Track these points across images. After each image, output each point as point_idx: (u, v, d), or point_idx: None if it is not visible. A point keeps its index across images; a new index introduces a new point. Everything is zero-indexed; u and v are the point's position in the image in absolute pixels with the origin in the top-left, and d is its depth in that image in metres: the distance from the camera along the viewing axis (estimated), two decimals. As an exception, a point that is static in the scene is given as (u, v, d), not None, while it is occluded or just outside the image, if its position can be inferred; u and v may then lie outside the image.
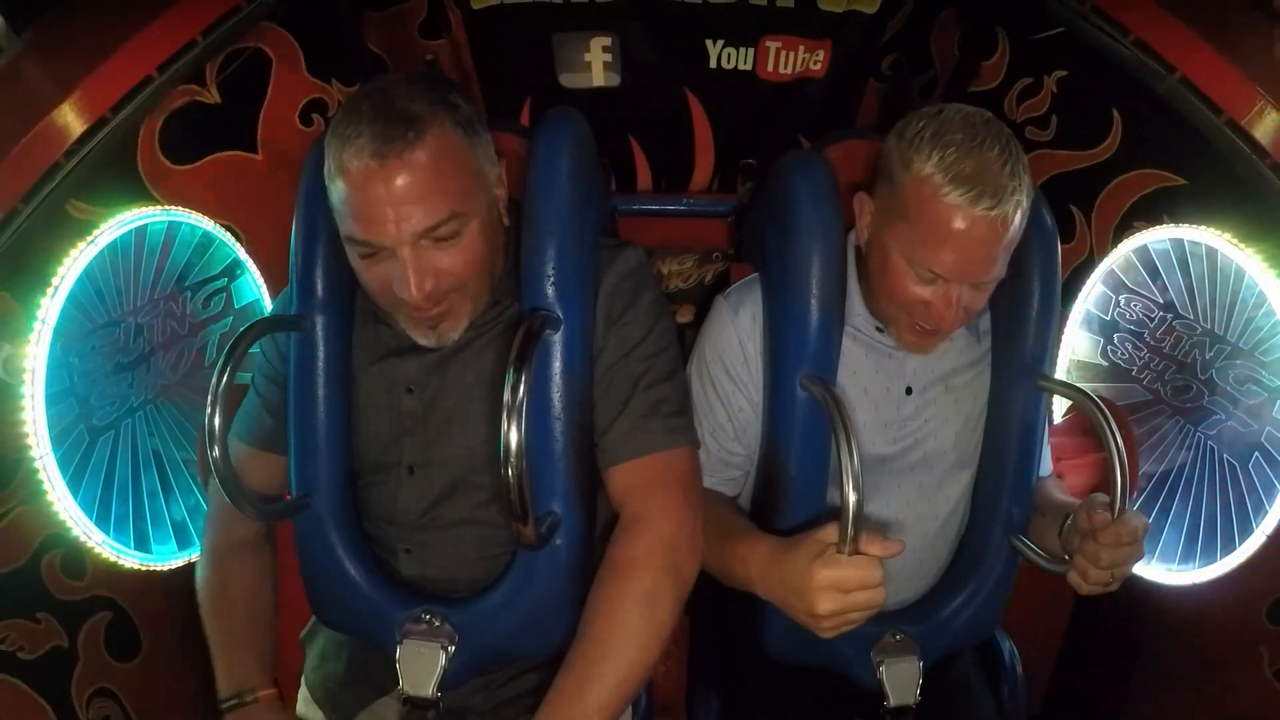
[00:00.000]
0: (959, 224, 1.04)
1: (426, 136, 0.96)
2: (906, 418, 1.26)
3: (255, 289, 1.62)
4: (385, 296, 1.04)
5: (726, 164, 2.00)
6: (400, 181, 0.94)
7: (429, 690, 1.12)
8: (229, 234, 1.56)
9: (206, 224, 1.48)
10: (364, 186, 0.95)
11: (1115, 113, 1.48)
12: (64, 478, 1.24)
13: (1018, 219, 1.06)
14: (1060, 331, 1.59)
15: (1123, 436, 1.11)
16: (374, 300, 1.09)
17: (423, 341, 1.10)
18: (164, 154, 1.41)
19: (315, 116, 1.69)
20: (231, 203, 1.57)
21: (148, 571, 1.41)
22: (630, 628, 1.05)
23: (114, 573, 1.37)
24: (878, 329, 1.24)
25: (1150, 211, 1.46)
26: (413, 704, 1.13)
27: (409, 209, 0.95)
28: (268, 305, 1.63)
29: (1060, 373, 1.63)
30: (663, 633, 1.07)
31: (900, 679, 1.22)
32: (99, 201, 1.29)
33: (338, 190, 0.98)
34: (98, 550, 1.32)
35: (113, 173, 1.31)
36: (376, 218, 0.96)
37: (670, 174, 2.04)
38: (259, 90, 1.60)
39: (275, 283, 1.67)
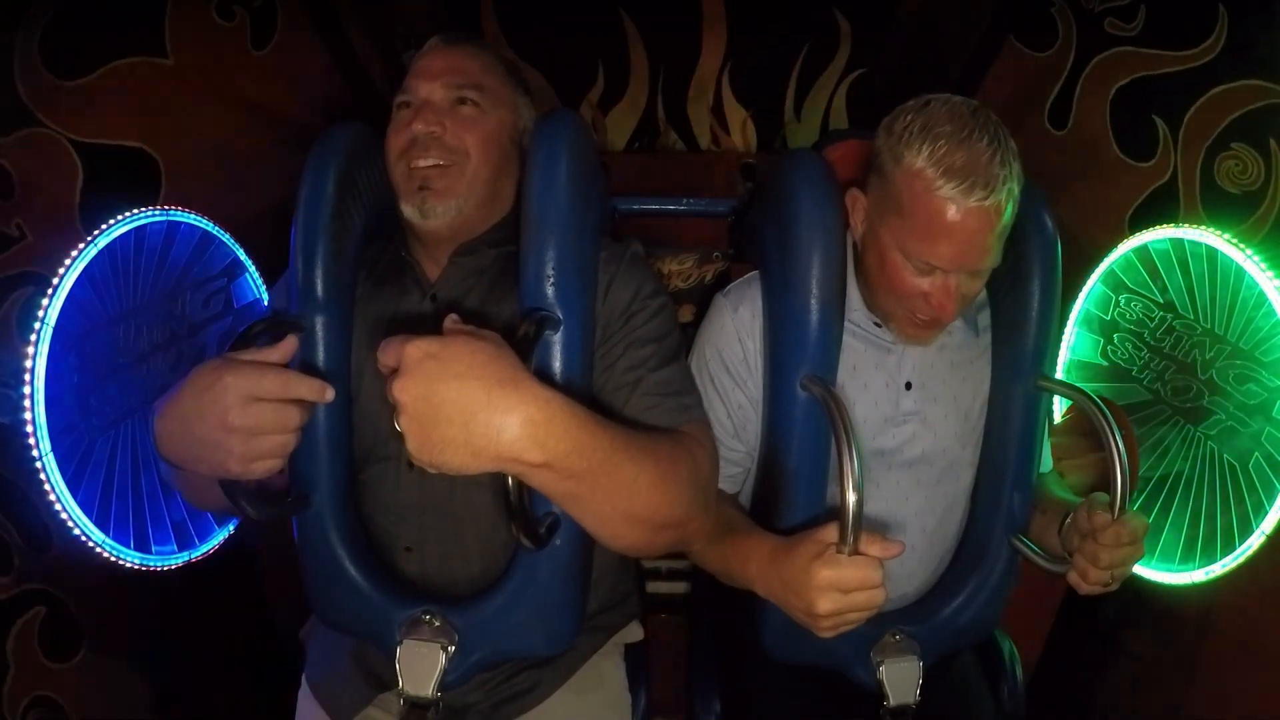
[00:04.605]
0: (953, 216, 1.05)
1: (482, 53, 1.25)
2: (906, 413, 1.26)
3: (255, 289, 1.62)
4: (401, 156, 1.17)
5: (740, 46, 1.79)
6: (452, 58, 1.21)
7: (429, 690, 1.12)
8: (146, 158, 1.34)
9: (206, 224, 1.48)
10: (428, 56, 1.22)
11: (1222, 9, 1.30)
12: (64, 478, 1.23)
13: (1010, 206, 1.07)
14: (1061, 331, 1.58)
15: (1123, 436, 1.11)
16: (389, 171, 1.20)
17: (407, 211, 1.18)
18: (49, 68, 1.19)
19: (237, 9, 1.41)
20: (142, 119, 1.35)
21: (89, 560, 1.28)
22: (665, 458, 0.95)
23: (46, 561, 1.24)
24: (875, 324, 1.25)
25: (1252, 132, 1.28)
26: (413, 703, 1.13)
27: (450, 76, 1.19)
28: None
29: (1060, 373, 1.63)
30: (673, 495, 0.95)
31: (900, 679, 1.22)
32: None
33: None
34: (67, 523, 1.20)
35: None
36: (424, 74, 1.20)
37: (672, 61, 1.82)
38: (164, -21, 1.32)
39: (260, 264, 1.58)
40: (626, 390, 1.10)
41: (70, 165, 1.26)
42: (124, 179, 1.36)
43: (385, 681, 1.22)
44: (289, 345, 0.98)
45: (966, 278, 1.12)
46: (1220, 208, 1.38)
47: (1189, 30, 1.35)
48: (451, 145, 1.17)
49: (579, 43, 1.81)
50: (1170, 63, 1.40)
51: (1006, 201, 1.06)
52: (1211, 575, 1.35)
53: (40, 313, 1.19)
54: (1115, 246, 1.53)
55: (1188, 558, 1.41)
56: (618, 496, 0.89)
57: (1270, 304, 1.26)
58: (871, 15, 1.96)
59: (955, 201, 1.05)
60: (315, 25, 1.71)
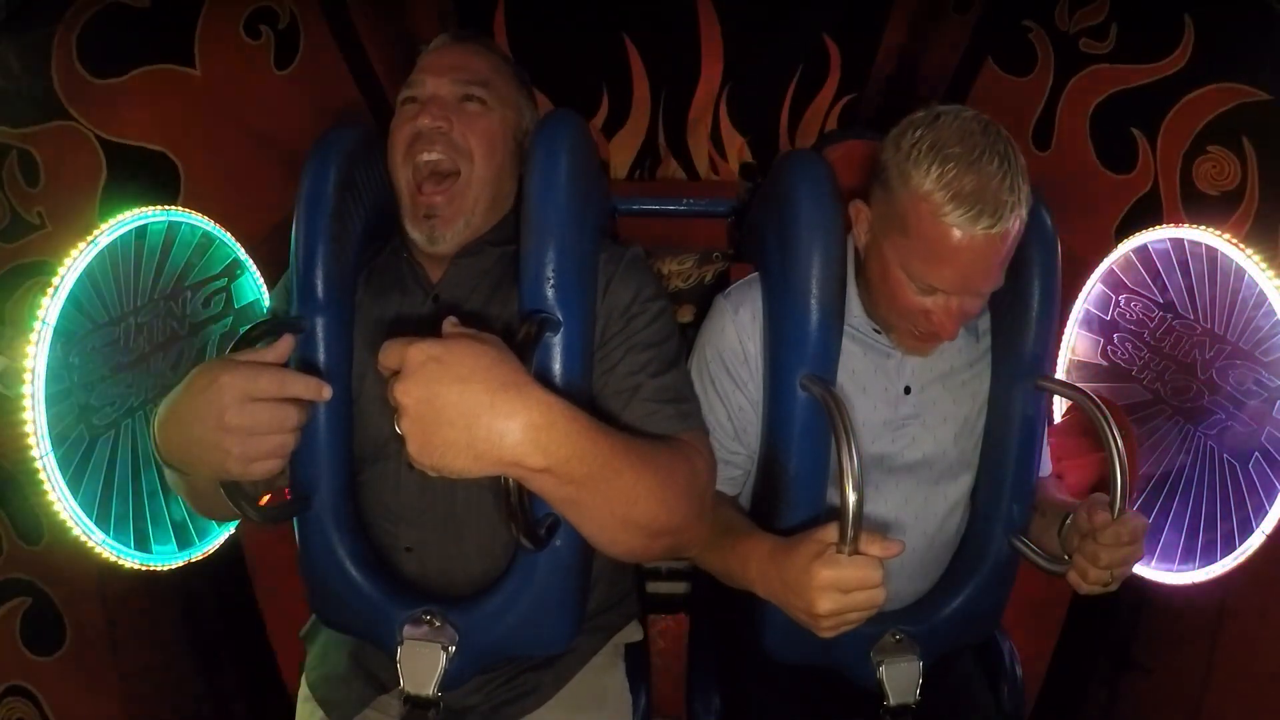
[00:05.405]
0: (959, 242, 1.04)
1: (490, 52, 1.26)
2: (905, 417, 1.26)
3: (256, 289, 1.62)
4: (406, 151, 1.18)
5: (738, 70, 1.83)
6: (460, 55, 1.22)
7: (429, 690, 1.12)
8: (161, 158, 1.37)
9: (207, 224, 1.48)
10: (436, 52, 1.23)
11: (1187, 19, 1.34)
12: (64, 478, 1.24)
13: (1017, 229, 1.06)
14: (1061, 331, 1.58)
15: (1123, 436, 1.11)
16: (393, 171, 1.20)
17: (414, 235, 1.19)
18: (83, 66, 1.23)
19: (263, 28, 1.47)
20: (165, 124, 1.39)
21: (80, 556, 1.27)
22: (664, 466, 0.96)
23: (36, 553, 1.24)
24: (875, 330, 1.25)
25: (1227, 132, 1.31)
26: (413, 703, 1.13)
27: (458, 72, 1.20)
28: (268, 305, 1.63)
29: (1060, 373, 1.63)
30: (670, 503, 0.96)
31: (900, 679, 1.22)
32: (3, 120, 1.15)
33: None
34: (58, 513, 1.20)
35: (20, 87, 1.15)
36: (431, 69, 1.20)
37: (672, 83, 1.87)
38: (196, -7, 1.37)
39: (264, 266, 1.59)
40: (625, 395, 1.10)
41: (95, 160, 1.28)
42: (145, 180, 1.38)
43: (384, 683, 1.22)
44: (285, 345, 0.98)
45: (969, 298, 1.12)
46: (1201, 210, 1.39)
47: (1158, 42, 1.37)
48: (456, 143, 1.17)
49: (584, 68, 1.82)
50: (1143, 75, 1.43)
51: (1014, 225, 1.05)
52: (1212, 575, 1.35)
53: (41, 312, 1.19)
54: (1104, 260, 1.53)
55: (1187, 558, 1.41)
56: (616, 503, 0.89)
57: (1270, 304, 1.26)
58: (859, 40, 2.00)
59: (962, 228, 1.03)
60: (337, 49, 1.74)
